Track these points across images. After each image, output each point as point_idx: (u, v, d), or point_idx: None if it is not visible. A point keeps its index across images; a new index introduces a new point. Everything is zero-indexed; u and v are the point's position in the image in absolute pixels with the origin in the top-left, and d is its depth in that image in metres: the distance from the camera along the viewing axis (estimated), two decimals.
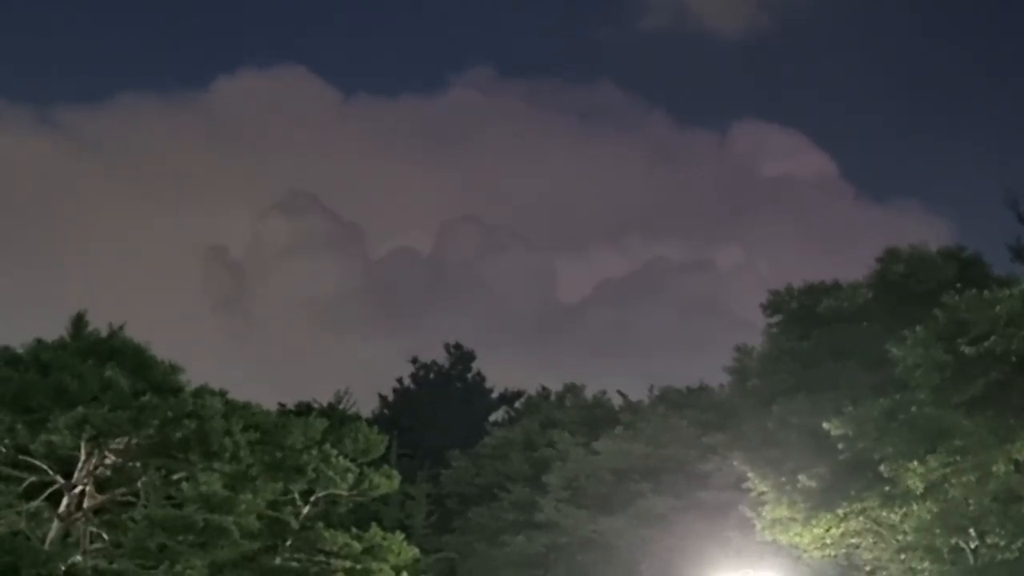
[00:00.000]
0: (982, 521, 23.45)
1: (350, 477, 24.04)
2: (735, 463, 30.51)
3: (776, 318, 29.65)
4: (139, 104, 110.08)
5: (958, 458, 22.54)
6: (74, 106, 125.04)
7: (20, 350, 20.72)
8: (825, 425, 24.18)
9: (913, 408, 23.15)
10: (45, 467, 20.39)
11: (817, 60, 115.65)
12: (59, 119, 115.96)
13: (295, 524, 24.12)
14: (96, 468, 20.67)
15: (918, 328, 23.65)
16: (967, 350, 22.49)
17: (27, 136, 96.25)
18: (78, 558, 20.03)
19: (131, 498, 21.21)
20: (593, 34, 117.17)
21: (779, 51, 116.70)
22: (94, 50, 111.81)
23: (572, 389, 49.95)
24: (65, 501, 20.64)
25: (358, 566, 24.19)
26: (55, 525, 20.41)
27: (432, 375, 58.86)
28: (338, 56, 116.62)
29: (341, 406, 44.37)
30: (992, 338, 22.25)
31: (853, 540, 26.95)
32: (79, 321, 21.63)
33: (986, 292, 23.42)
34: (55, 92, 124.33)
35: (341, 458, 23.78)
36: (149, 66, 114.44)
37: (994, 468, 22.59)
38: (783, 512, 26.95)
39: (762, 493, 27.73)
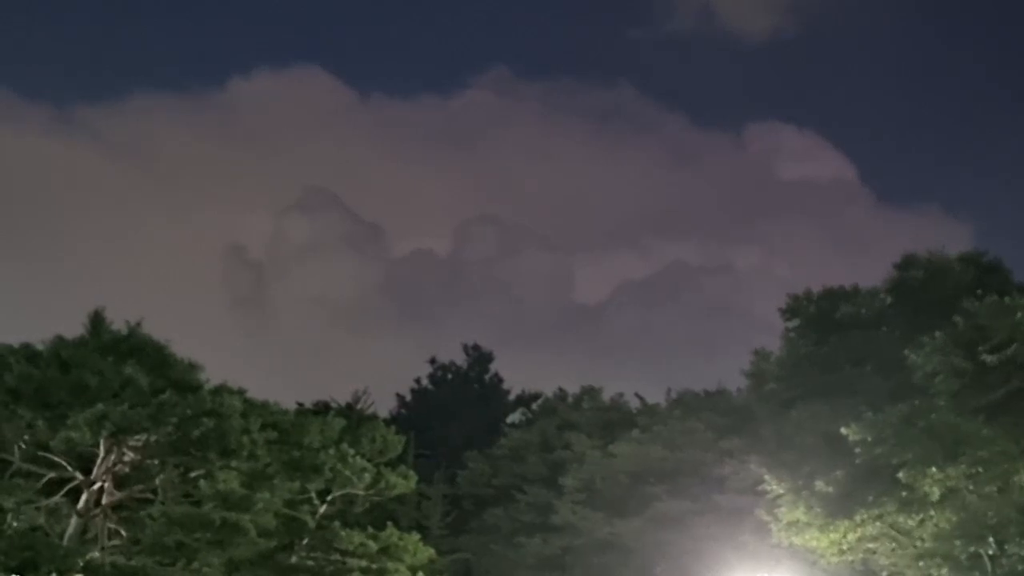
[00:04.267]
0: (1002, 530, 23.28)
1: (367, 477, 24.10)
2: (752, 467, 30.45)
3: (794, 322, 29.54)
4: (156, 103, 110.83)
5: (980, 469, 22.38)
6: (91, 105, 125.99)
7: (41, 347, 20.84)
8: (843, 430, 24.09)
9: (932, 415, 23.03)
10: (64, 463, 20.53)
11: (839, 64, 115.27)
12: (77, 118, 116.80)
13: (311, 523, 24.17)
14: (115, 465, 20.81)
15: (937, 334, 23.52)
16: (987, 357, 22.35)
17: (45, 135, 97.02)
18: (96, 554, 20.14)
19: (149, 495, 21.32)
20: (617, 36, 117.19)
21: (802, 55, 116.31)
22: (111, 50, 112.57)
23: (589, 391, 49.86)
24: (84, 497, 20.77)
25: (374, 565, 24.24)
26: (73, 521, 20.55)
27: (450, 376, 58.90)
28: (354, 56, 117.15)
29: (359, 406, 44.53)
30: (1013, 345, 22.10)
31: (870, 545, 26.82)
32: (96, 318, 21.73)
33: (1007, 298, 23.27)
34: (73, 91, 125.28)
35: (358, 458, 23.84)
36: (165, 65, 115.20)
37: (1015, 478, 22.43)
38: (799, 516, 26.87)
39: (778, 496, 27.65)
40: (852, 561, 27.65)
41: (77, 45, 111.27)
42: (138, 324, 21.69)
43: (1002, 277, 27.01)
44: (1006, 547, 23.66)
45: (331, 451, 23.10)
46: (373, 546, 24.39)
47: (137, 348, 21.10)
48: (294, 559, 23.94)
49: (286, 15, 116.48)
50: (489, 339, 65.37)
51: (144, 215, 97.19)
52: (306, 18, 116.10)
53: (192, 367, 21.65)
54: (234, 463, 20.67)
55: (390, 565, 24.42)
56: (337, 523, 24.80)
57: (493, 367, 59.31)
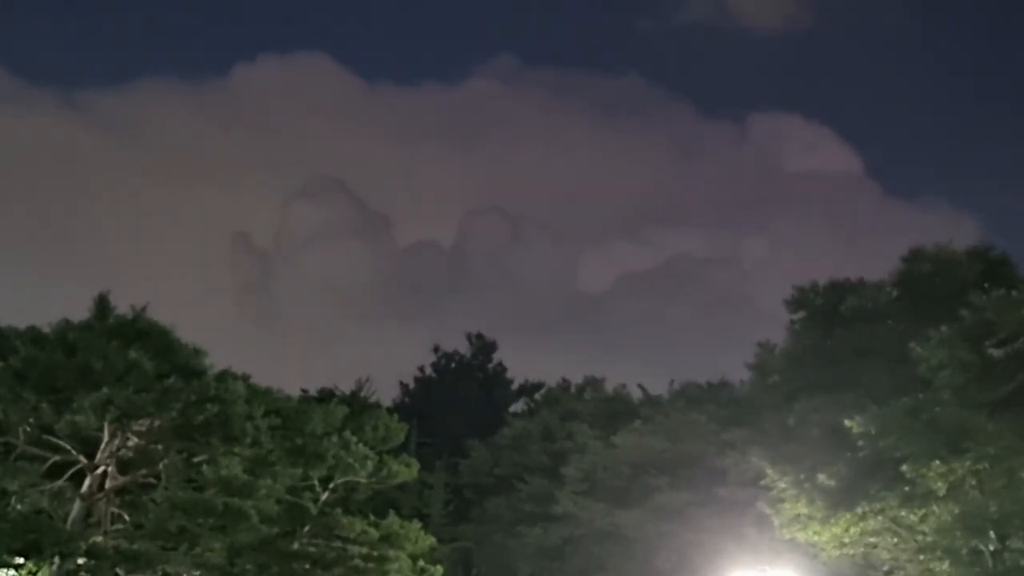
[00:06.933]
0: (1005, 525, 23.24)
1: (369, 464, 24.12)
2: (754, 459, 30.38)
3: (799, 314, 29.43)
4: (162, 89, 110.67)
5: (985, 464, 22.32)
6: (97, 90, 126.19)
7: (46, 330, 20.82)
8: (847, 422, 24.03)
9: (936, 408, 22.97)
10: (69, 447, 20.55)
11: (848, 57, 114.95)
12: (83, 103, 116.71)
13: (313, 510, 24.20)
14: (119, 449, 20.83)
15: (943, 328, 23.44)
16: (994, 352, 22.28)
17: (51, 119, 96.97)
18: (99, 538, 20.19)
19: (152, 480, 21.37)
20: (626, 26, 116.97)
21: (811, 47, 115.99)
22: (117, 34, 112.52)
23: (592, 382, 49.90)
24: (87, 481, 20.80)
25: (375, 553, 24.27)
26: (77, 505, 20.58)
27: (453, 365, 58.94)
28: (359, 44, 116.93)
29: (362, 394, 44.61)
30: (1020, 340, 22.03)
31: (872, 539, 26.80)
32: (102, 302, 21.71)
33: (1014, 292, 23.19)
34: (79, 76, 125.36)
35: (361, 445, 23.86)
36: (171, 52, 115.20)
37: (1021, 474, 22.36)
38: (802, 509, 26.84)
39: (781, 490, 27.61)
40: (853, 555, 27.62)
41: (84, 31, 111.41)
42: (143, 309, 21.68)
43: (1009, 271, 26.87)
44: (1007, 542, 23.63)
45: (334, 438, 23.12)
46: (374, 534, 24.42)
47: (142, 333, 21.08)
48: (296, 545, 23.97)
49: (291, 1, 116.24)
50: (493, 328, 65.24)
51: (150, 201, 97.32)
52: (311, 5, 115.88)
53: (197, 352, 21.63)
54: (237, 449, 20.69)
55: (391, 553, 24.45)
56: (339, 510, 24.83)
57: (496, 356, 59.44)
